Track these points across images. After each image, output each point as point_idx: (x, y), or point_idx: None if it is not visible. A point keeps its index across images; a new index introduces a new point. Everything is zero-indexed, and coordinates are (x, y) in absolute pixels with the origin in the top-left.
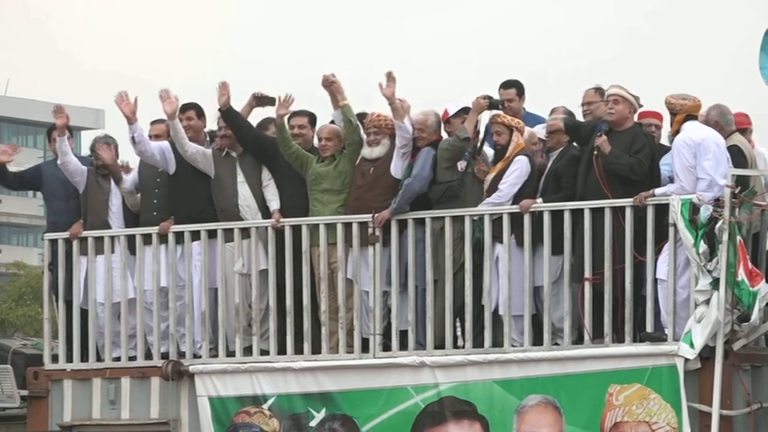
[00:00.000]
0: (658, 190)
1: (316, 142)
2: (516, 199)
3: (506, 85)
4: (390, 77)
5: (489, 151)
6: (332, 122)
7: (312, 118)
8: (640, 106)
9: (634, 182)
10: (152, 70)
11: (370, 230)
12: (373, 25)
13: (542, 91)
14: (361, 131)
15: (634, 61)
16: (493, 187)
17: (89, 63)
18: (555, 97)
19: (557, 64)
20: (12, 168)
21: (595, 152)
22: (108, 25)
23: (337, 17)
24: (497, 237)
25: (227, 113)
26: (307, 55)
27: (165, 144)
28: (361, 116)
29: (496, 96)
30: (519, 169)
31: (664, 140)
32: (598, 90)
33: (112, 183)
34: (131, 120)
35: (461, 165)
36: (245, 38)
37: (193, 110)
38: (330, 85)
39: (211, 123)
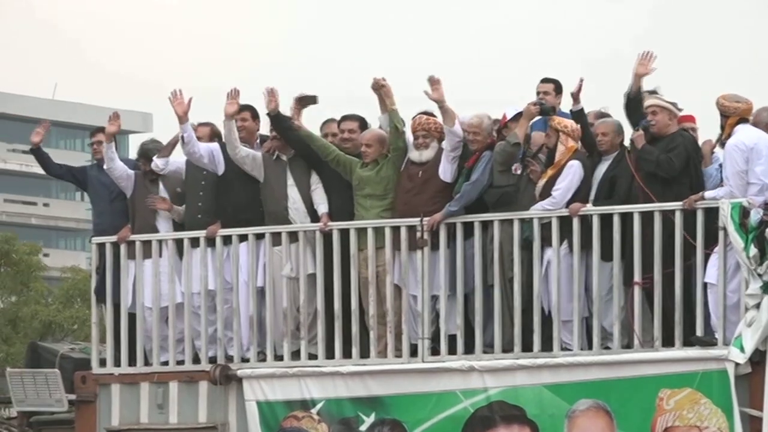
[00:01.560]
0: (707, 193)
1: None
2: (568, 203)
3: (545, 80)
4: (433, 81)
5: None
6: (379, 126)
7: (362, 123)
8: (680, 110)
9: (672, 182)
10: (194, 78)
11: (418, 234)
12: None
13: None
14: (407, 136)
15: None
16: (546, 193)
17: (137, 71)
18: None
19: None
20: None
21: (628, 149)
22: (154, 36)
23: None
24: (547, 240)
25: (276, 118)
26: (330, 59)
27: (215, 145)
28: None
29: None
30: (572, 174)
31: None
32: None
33: (161, 186)
34: (182, 119)
35: (516, 168)
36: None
37: (248, 111)
38: (380, 88)
39: (265, 127)
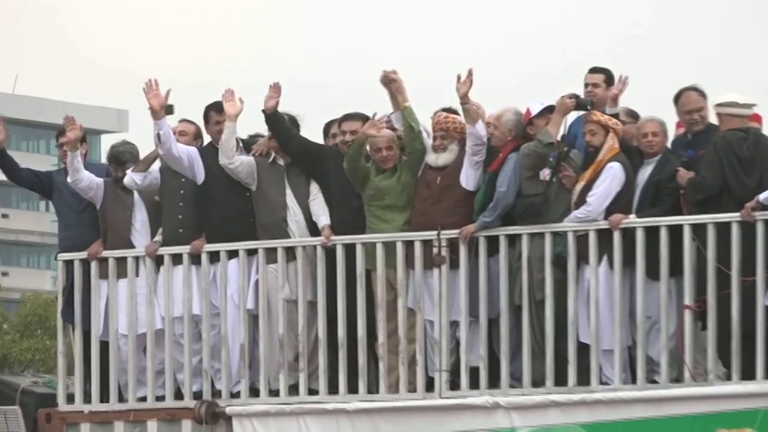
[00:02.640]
0: (762, 196)
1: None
2: (608, 213)
3: (594, 69)
4: (470, 74)
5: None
6: (389, 124)
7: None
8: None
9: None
10: (172, 71)
11: (435, 250)
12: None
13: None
14: (424, 138)
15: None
16: (582, 199)
17: (110, 62)
18: None
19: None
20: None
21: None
22: (128, 25)
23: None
24: (583, 257)
25: (274, 118)
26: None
27: (192, 149)
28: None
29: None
30: (610, 178)
31: None
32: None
33: (136, 196)
34: (158, 114)
35: (545, 174)
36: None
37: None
38: (390, 82)
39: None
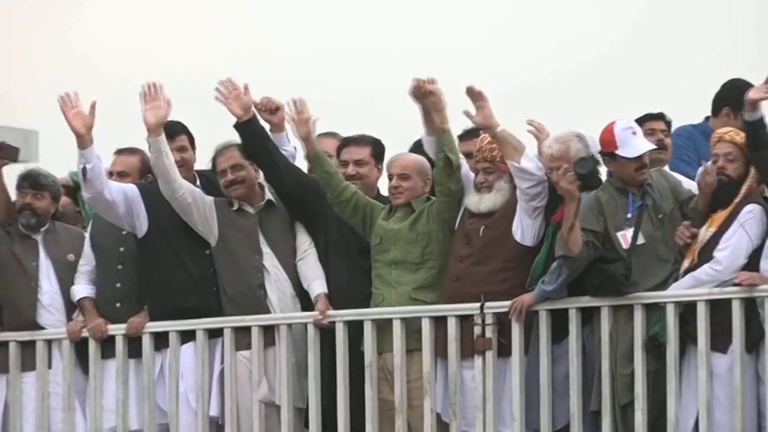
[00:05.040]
0: None
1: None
2: None
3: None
4: (474, 93)
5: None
6: (415, 150)
7: (377, 150)
8: None
9: None
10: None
11: (477, 330)
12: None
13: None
14: (464, 175)
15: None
16: (707, 254)
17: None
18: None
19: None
20: None
21: None
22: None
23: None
24: (691, 337)
25: (249, 127)
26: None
27: (131, 188)
28: None
29: None
30: (752, 224)
31: None
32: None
33: (41, 250)
34: (84, 141)
35: (625, 237)
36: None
37: (185, 135)
38: (425, 95)
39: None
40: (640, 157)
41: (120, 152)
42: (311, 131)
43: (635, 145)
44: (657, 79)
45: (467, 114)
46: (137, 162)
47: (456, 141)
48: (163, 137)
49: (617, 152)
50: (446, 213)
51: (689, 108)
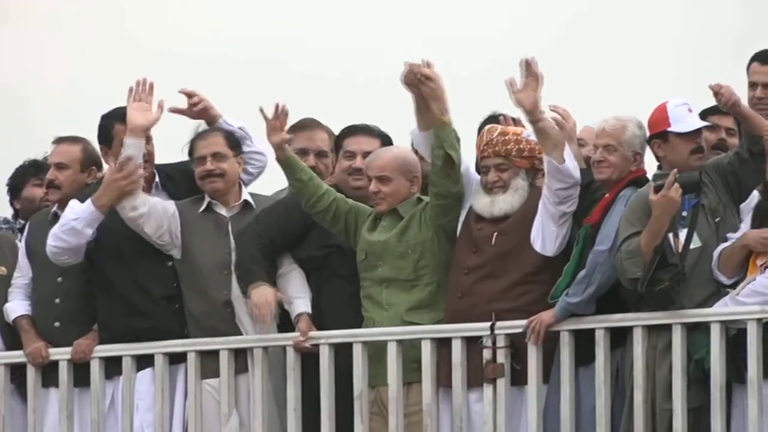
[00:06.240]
0: None
1: None
2: None
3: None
4: (530, 66)
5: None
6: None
7: (385, 144)
8: None
9: None
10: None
11: (487, 354)
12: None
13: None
14: (466, 175)
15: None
16: None
17: None
18: None
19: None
20: None
21: None
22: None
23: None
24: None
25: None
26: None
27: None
28: None
29: None
30: None
31: None
32: None
33: None
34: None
35: (677, 243)
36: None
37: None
38: (421, 81)
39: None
40: (696, 136)
41: (60, 141)
42: (285, 140)
43: (691, 121)
44: (608, 67)
45: (511, 84)
46: (79, 152)
47: (455, 136)
48: (140, 145)
49: (670, 129)
50: (443, 217)
51: (646, 96)
